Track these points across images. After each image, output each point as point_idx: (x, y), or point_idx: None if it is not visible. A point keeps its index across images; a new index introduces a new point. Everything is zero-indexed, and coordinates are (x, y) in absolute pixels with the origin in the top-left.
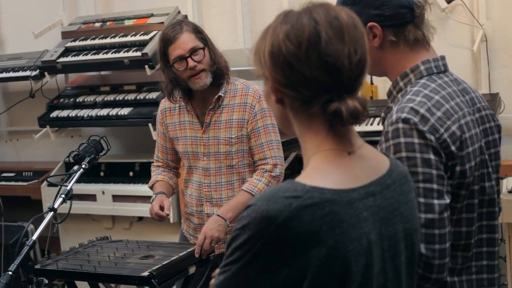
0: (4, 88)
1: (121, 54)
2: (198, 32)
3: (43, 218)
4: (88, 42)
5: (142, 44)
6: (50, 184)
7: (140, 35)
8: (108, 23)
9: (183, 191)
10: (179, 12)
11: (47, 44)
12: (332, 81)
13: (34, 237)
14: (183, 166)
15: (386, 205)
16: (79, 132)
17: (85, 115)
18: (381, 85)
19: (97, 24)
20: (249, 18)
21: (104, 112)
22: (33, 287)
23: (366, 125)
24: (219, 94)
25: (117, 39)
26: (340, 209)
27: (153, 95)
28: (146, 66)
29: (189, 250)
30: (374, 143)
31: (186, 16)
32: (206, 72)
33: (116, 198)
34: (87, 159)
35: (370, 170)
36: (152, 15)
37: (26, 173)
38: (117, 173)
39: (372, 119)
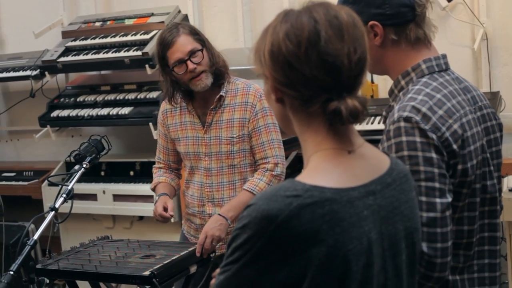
0: (4, 87)
1: (122, 54)
2: (195, 33)
3: (44, 218)
4: (89, 41)
5: (142, 44)
6: (51, 184)
7: (140, 35)
8: (108, 22)
9: (184, 191)
10: (179, 12)
11: (48, 44)
12: (332, 80)
13: (36, 236)
14: (185, 167)
15: (387, 204)
16: (80, 131)
17: (86, 115)
18: (382, 84)
19: (98, 24)
20: (250, 17)
21: (104, 111)
22: (34, 287)
23: (367, 124)
24: (221, 93)
25: (117, 39)
26: (340, 208)
27: (154, 95)
28: (147, 66)
29: (190, 249)
30: (374, 142)
31: (186, 16)
32: (207, 73)
33: (117, 197)
34: (88, 158)
35: (370, 169)
36: (152, 14)
37: (27, 172)
38: (118, 172)
39: (373, 117)
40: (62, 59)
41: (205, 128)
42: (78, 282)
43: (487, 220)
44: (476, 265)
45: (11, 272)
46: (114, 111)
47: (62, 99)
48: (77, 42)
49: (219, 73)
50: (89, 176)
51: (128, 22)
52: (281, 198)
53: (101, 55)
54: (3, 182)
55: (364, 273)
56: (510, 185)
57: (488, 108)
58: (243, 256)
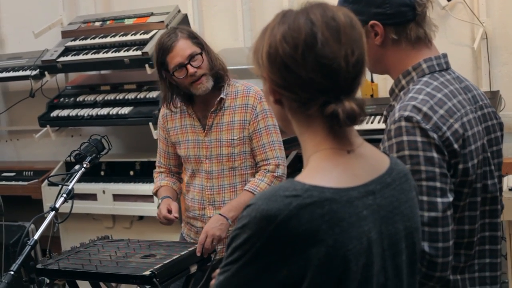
0: (4, 87)
1: (121, 53)
2: (193, 37)
3: (44, 218)
4: (88, 41)
5: (142, 43)
6: (51, 184)
7: (140, 34)
8: (108, 22)
9: (184, 195)
10: (179, 11)
11: (47, 44)
12: (329, 83)
13: (36, 236)
14: (185, 170)
15: (386, 204)
16: (80, 131)
17: (85, 115)
18: (382, 83)
19: (97, 23)
20: (249, 17)
21: (104, 111)
22: (34, 287)
23: (367, 123)
24: (221, 96)
25: (117, 38)
26: (339, 208)
27: (154, 94)
28: (146, 65)
29: (190, 249)
30: (374, 141)
31: (186, 15)
32: (207, 77)
33: (117, 197)
34: (89, 158)
35: (370, 168)
36: (152, 14)
37: (27, 172)
38: (118, 172)
39: (372, 117)
40: (62, 59)
41: (205, 131)
42: (78, 282)
43: (488, 220)
44: (477, 265)
45: (12, 272)
46: (114, 111)
47: (61, 99)
48: (77, 42)
49: (219, 76)
50: (89, 176)
51: (127, 21)
52: (281, 198)
53: (100, 55)
54: (3, 182)
55: (363, 273)
56: (510, 184)
57: (489, 108)
58: (243, 256)
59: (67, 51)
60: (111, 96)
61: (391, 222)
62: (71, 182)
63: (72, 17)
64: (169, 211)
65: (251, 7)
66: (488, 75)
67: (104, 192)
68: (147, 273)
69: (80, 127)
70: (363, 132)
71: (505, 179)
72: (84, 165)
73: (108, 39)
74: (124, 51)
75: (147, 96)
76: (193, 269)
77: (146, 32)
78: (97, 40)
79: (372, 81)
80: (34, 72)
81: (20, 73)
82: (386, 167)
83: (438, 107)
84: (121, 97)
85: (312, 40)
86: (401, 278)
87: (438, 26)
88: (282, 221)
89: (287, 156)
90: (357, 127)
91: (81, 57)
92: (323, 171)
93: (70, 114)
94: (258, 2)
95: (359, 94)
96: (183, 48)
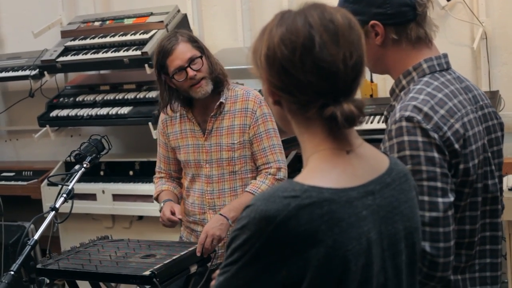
0: (3, 87)
1: (121, 53)
2: (193, 41)
3: (43, 218)
4: (88, 41)
5: (141, 43)
6: (50, 184)
7: (139, 34)
8: (107, 22)
9: (184, 199)
10: (178, 11)
11: (47, 44)
12: (327, 85)
13: (36, 236)
14: (185, 175)
15: (386, 204)
16: (79, 131)
17: (85, 114)
18: (381, 83)
19: (97, 23)
20: (249, 17)
21: (103, 111)
22: (34, 287)
23: (366, 123)
24: (221, 100)
25: (116, 38)
26: (339, 208)
27: (153, 94)
28: (146, 65)
29: (190, 249)
30: (374, 141)
31: (185, 15)
32: (207, 80)
33: (116, 197)
34: (89, 158)
35: (369, 169)
36: (151, 14)
37: (26, 172)
38: (117, 172)
39: (372, 117)
40: (61, 58)
41: (205, 135)
42: (78, 282)
43: (489, 220)
44: (477, 265)
45: (12, 272)
46: (113, 110)
47: (61, 99)
48: (76, 42)
49: (218, 80)
50: (88, 176)
51: (127, 21)
52: (280, 198)
53: (100, 55)
54: (2, 182)
55: (363, 273)
56: (510, 184)
57: (489, 108)
58: (242, 257)
59: (66, 51)
60: (110, 96)
61: (391, 222)
62: (71, 182)
63: (71, 17)
64: (173, 213)
65: (251, 7)
66: (487, 75)
67: (103, 192)
68: (147, 273)
69: (79, 127)
70: (362, 132)
71: (505, 179)
72: (84, 165)
73: (108, 39)
74: (124, 51)
75: (147, 96)
76: (193, 269)
77: (145, 32)
78: (97, 40)
79: (371, 81)
80: (33, 72)
81: (20, 73)
82: (386, 167)
83: (438, 107)
84: (120, 97)
85: (310, 43)
86: (401, 278)
87: (438, 26)
88: (281, 222)
89: (286, 156)
90: (356, 127)
91: (80, 57)
92: (322, 172)
93: (70, 114)
94: (258, 2)
95: (358, 94)
96: (183, 51)
